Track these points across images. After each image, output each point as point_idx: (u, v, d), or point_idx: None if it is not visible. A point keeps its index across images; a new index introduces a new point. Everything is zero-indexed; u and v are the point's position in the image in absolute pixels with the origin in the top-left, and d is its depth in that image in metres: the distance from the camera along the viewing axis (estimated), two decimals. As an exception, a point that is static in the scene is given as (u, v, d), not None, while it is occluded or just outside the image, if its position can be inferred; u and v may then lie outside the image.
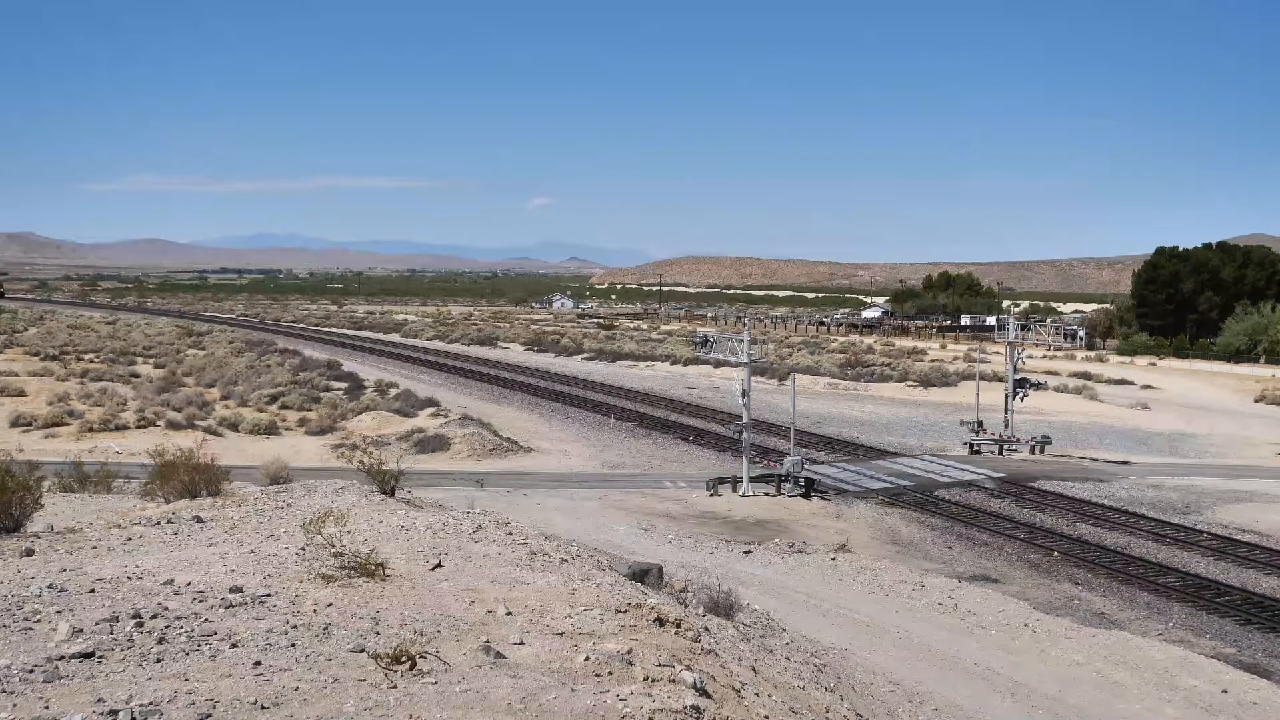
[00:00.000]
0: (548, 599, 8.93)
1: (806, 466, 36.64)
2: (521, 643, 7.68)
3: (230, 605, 8.37)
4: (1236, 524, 32.69)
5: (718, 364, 59.93)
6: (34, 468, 16.24)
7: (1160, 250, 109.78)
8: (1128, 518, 33.46)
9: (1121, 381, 71.63)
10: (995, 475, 39.75)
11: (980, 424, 45.41)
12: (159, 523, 12.50)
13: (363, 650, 7.18)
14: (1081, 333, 73.64)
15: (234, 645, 7.33)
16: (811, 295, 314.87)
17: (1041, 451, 44.52)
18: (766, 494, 35.40)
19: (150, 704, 6.15)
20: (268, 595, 8.70)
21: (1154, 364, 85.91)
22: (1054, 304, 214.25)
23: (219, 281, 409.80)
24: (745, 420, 35.95)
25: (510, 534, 12.10)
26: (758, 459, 37.96)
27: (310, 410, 49.87)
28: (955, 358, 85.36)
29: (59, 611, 8.11)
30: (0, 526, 12.58)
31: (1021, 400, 46.81)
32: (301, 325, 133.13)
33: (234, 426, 45.04)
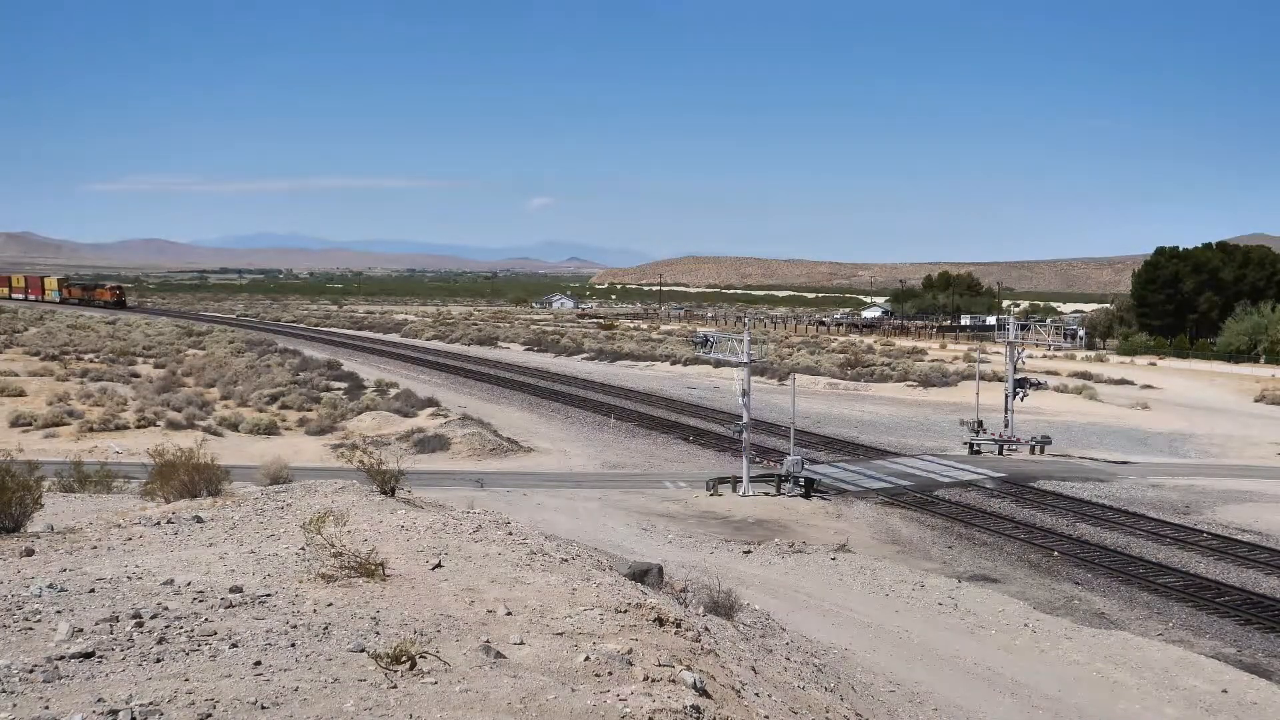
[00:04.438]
0: (548, 599, 8.93)
1: (806, 466, 36.64)
2: (521, 643, 7.67)
3: (230, 605, 8.37)
4: (1236, 524, 32.70)
5: (718, 364, 59.93)
6: (34, 468, 16.21)
7: (1160, 250, 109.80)
8: (1128, 518, 33.46)
9: (1121, 381, 71.63)
10: (995, 475, 39.74)
11: (980, 424, 45.41)
12: (159, 523, 12.50)
13: (363, 650, 7.18)
14: (1081, 333, 73.66)
15: (234, 645, 7.32)
16: (811, 295, 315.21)
17: (1041, 451, 44.52)
18: (766, 494, 35.39)
19: (150, 704, 6.15)
20: (268, 595, 8.70)
21: (1154, 364, 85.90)
22: (1054, 304, 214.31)
23: (219, 281, 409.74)
24: (745, 420, 35.94)
25: (510, 534, 12.10)
26: (758, 459, 37.95)
27: (310, 410, 49.86)
28: (955, 358, 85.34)
29: (59, 611, 8.11)
30: (0, 526, 12.58)
31: (1021, 400, 46.82)
32: (301, 325, 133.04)
33: (234, 426, 45.03)
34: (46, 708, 6.10)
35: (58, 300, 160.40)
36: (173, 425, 43.50)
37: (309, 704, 6.29)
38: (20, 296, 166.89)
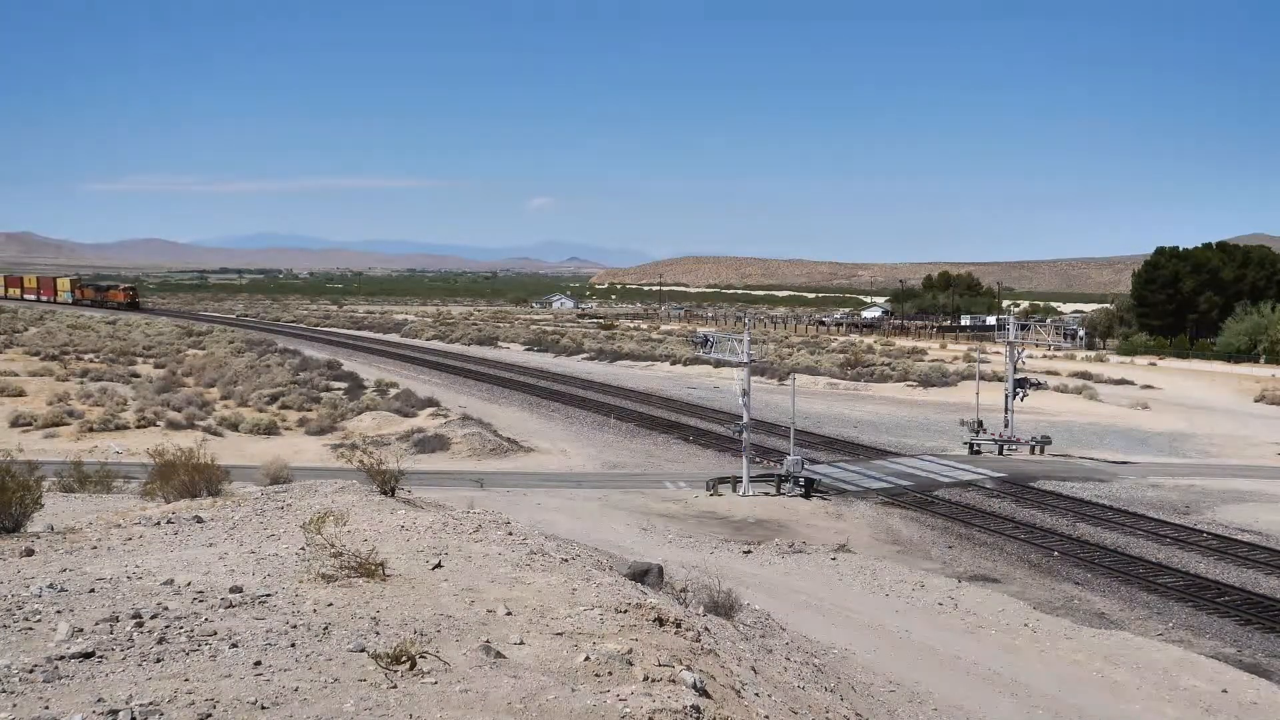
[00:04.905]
0: (548, 599, 8.93)
1: (806, 466, 36.63)
2: (521, 643, 7.68)
3: (230, 605, 8.38)
4: (1236, 524, 32.70)
5: (718, 364, 59.93)
6: (34, 468, 16.24)
7: (1160, 250, 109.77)
8: (1128, 517, 33.47)
9: (1121, 381, 71.63)
10: (995, 475, 39.74)
11: (980, 424, 45.41)
12: (159, 523, 12.51)
13: (363, 650, 7.19)
14: (1081, 333, 73.67)
15: (234, 645, 7.33)
16: (811, 295, 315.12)
17: (1041, 451, 44.51)
18: (766, 494, 35.39)
19: (150, 704, 6.15)
20: (268, 595, 8.70)
21: (1154, 364, 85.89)
22: (1054, 304, 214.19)
23: (219, 281, 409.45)
24: (745, 420, 35.94)
25: (510, 534, 12.10)
26: (758, 459, 37.95)
27: (310, 410, 49.86)
28: (955, 358, 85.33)
29: (59, 611, 8.11)
30: (0, 526, 12.58)
31: (1021, 400, 46.81)
32: (301, 325, 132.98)
33: (234, 426, 45.03)
34: (46, 708, 6.10)
35: (70, 301, 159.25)
36: (173, 425, 43.50)
37: (309, 704, 6.29)
38: (33, 297, 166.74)
